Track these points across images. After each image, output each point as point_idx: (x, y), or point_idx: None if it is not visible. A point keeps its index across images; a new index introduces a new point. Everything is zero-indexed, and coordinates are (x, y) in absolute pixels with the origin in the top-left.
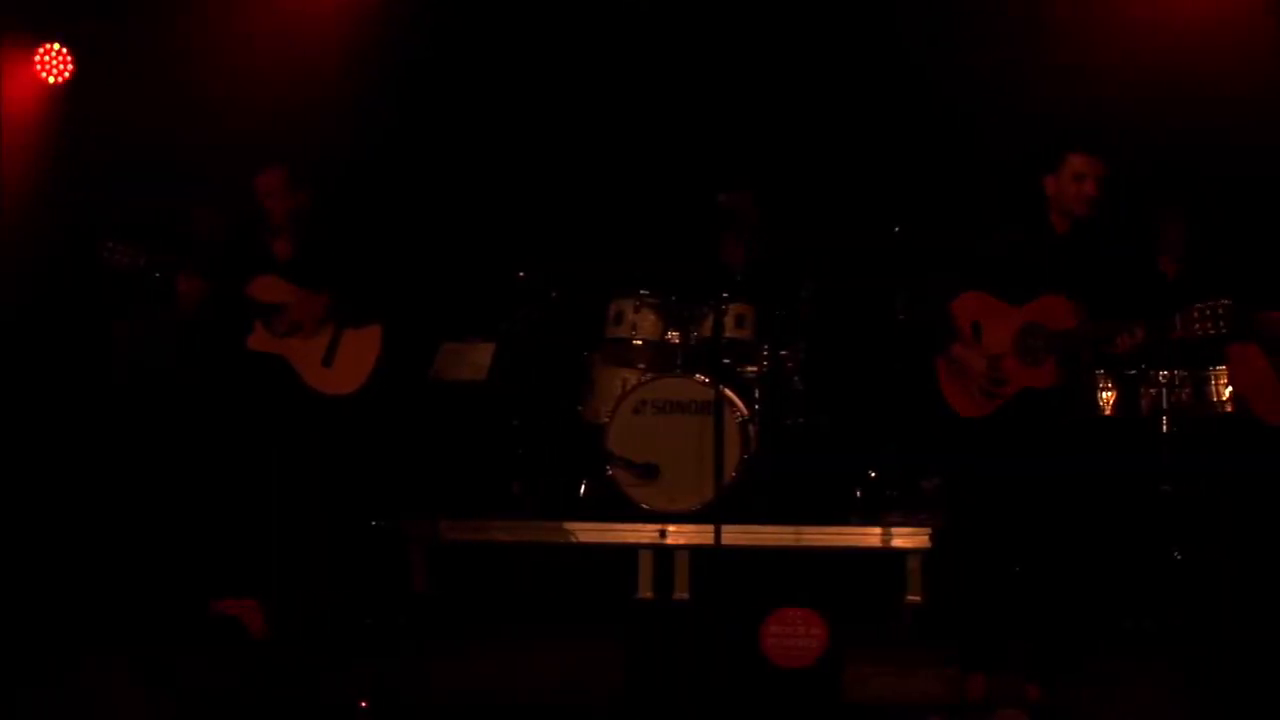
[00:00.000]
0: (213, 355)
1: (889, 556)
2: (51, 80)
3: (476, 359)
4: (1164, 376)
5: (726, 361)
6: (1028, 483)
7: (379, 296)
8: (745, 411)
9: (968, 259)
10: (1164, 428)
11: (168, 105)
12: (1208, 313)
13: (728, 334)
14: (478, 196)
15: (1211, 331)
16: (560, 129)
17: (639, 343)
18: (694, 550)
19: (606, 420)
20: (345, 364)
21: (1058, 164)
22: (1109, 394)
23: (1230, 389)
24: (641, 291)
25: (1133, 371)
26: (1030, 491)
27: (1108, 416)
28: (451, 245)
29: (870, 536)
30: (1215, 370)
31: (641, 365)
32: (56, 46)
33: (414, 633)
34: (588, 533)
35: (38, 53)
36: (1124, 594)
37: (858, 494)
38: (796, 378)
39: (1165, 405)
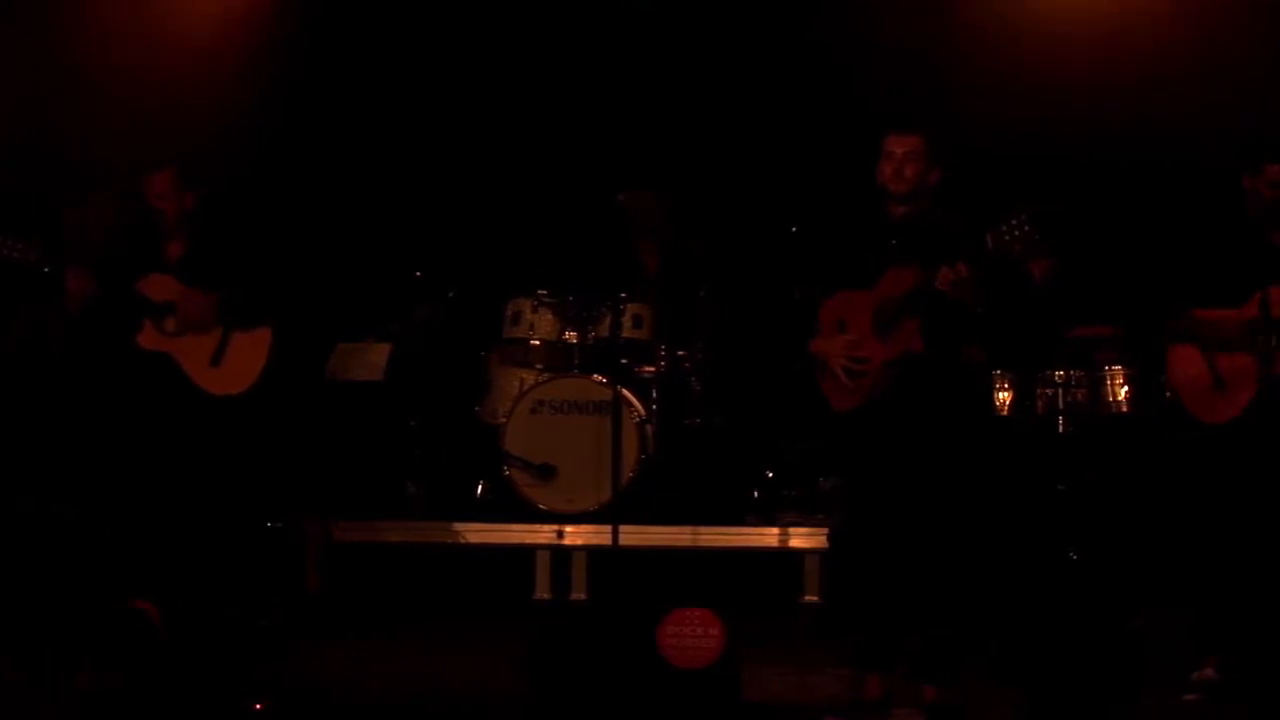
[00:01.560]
0: (101, 353)
1: (786, 556)
2: None
3: (372, 359)
4: (1060, 376)
5: (624, 362)
6: (917, 479)
7: (268, 296)
8: (643, 412)
9: (825, 258)
10: (1060, 428)
11: (53, 101)
12: (1015, 230)
13: (625, 334)
14: (374, 196)
15: (1020, 249)
16: (459, 127)
17: (536, 343)
18: (591, 551)
19: (504, 420)
20: (234, 364)
21: (880, 148)
22: (1005, 394)
23: (1126, 386)
24: (539, 291)
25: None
26: (921, 489)
27: (1004, 416)
28: (348, 245)
29: (767, 536)
30: (1110, 370)
31: (539, 365)
32: None
33: (309, 634)
34: (484, 533)
35: None
36: (1020, 593)
37: (755, 494)
38: (694, 378)
39: (1061, 405)
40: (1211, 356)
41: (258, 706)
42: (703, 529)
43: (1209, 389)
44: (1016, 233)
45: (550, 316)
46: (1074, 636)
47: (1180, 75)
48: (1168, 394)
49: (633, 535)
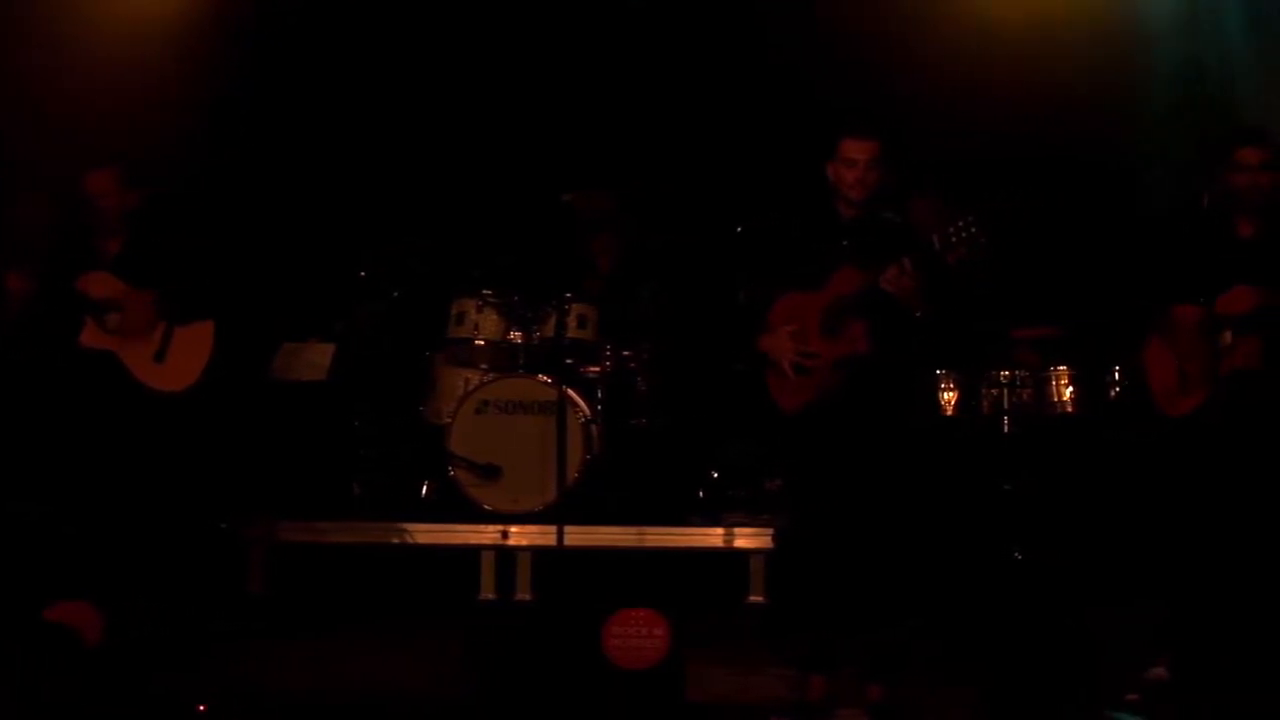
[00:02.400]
0: (42, 352)
1: (732, 556)
2: None
3: (316, 359)
4: (1005, 376)
5: (569, 362)
6: (864, 480)
7: (208, 293)
8: (588, 412)
9: (775, 257)
10: (1005, 428)
11: None
12: (962, 232)
13: (570, 334)
14: (318, 195)
15: (967, 248)
16: (405, 127)
17: (481, 343)
18: (536, 551)
19: (448, 421)
20: (177, 361)
21: (834, 150)
22: (950, 394)
23: (1070, 386)
24: (484, 291)
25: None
26: (866, 489)
27: (949, 416)
28: (292, 244)
29: (713, 537)
30: (1056, 370)
31: (484, 365)
32: None
33: (253, 635)
34: (429, 534)
35: None
36: (964, 592)
37: (700, 494)
38: (639, 378)
39: (1007, 405)
40: (1177, 352)
41: (201, 708)
42: (648, 529)
43: (1176, 383)
44: (964, 234)
45: (495, 316)
46: (1021, 636)
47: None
48: (1115, 390)
49: (578, 535)
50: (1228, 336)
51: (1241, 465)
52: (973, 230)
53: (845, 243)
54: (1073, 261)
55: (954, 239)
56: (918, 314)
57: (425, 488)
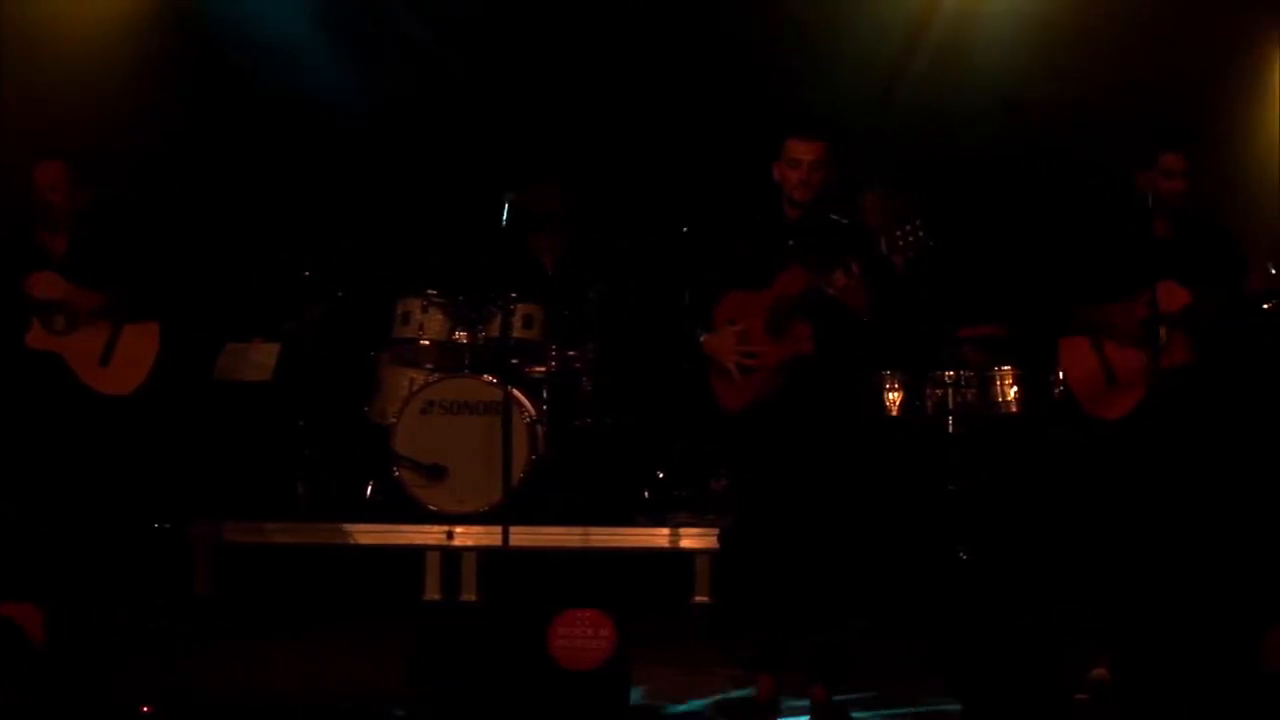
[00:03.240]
0: None
1: (677, 557)
2: None
3: (261, 359)
4: (949, 377)
5: (515, 362)
6: (807, 481)
7: (156, 295)
8: (533, 412)
9: (721, 257)
10: (950, 428)
11: None
12: (910, 235)
13: (515, 334)
14: (262, 195)
15: (914, 251)
16: (349, 126)
17: (426, 343)
18: (482, 552)
19: (393, 421)
20: (123, 363)
21: (780, 151)
22: (895, 394)
23: (1015, 386)
24: (429, 291)
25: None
26: (809, 490)
27: (894, 417)
28: (236, 243)
29: (658, 537)
30: (1000, 370)
31: (429, 365)
32: None
33: (198, 636)
34: (373, 534)
35: None
36: (910, 592)
37: (646, 494)
38: (585, 378)
39: (951, 405)
40: (1104, 351)
41: (145, 709)
42: (593, 529)
43: (1102, 384)
44: (911, 238)
45: (440, 316)
46: (966, 636)
47: (1072, 73)
48: (1059, 389)
49: (523, 536)
50: (1163, 334)
51: (1182, 463)
52: (920, 234)
53: (791, 243)
54: (1017, 260)
55: (901, 242)
56: (864, 319)
57: (370, 488)
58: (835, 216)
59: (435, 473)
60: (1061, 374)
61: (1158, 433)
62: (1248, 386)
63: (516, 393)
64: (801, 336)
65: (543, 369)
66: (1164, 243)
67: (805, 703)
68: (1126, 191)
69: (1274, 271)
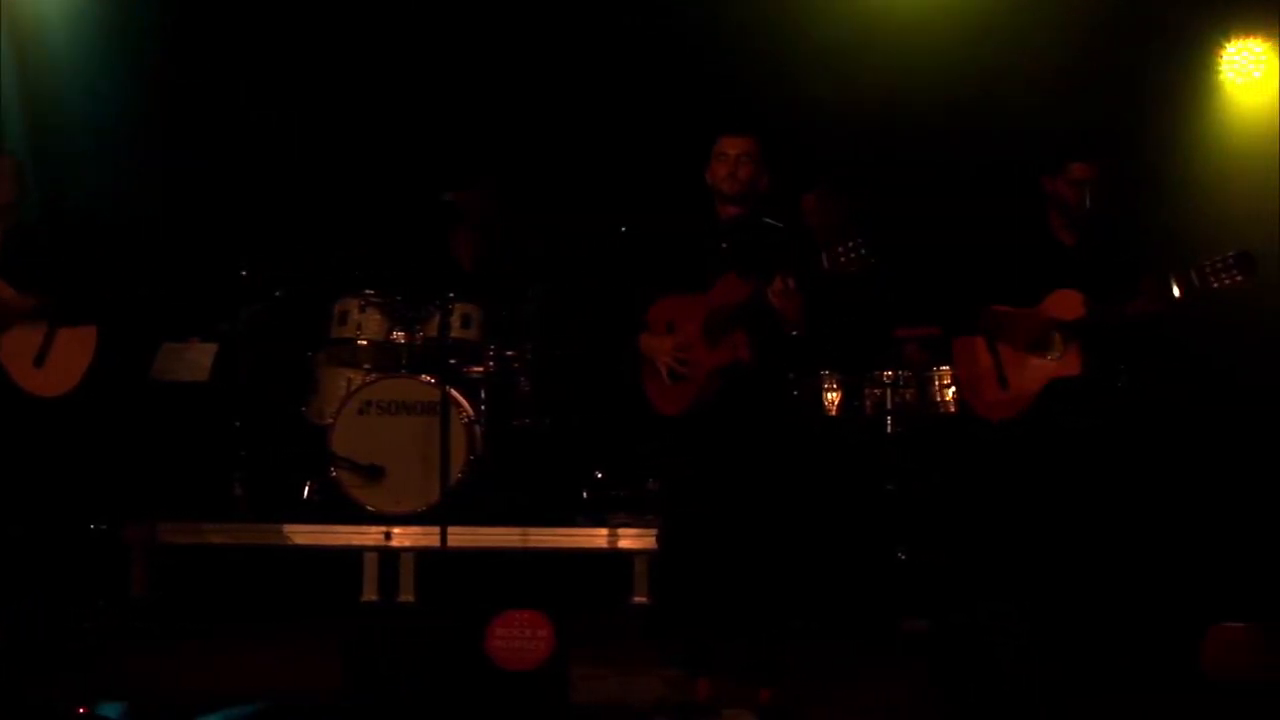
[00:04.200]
0: None
1: (616, 557)
2: None
3: (198, 359)
4: (888, 376)
5: (453, 362)
6: (742, 483)
7: (92, 296)
8: (471, 413)
9: (657, 258)
10: (888, 428)
11: None
12: (851, 247)
13: (453, 334)
14: (199, 194)
15: (856, 269)
16: (287, 126)
17: (364, 343)
18: (419, 552)
19: (331, 421)
20: (58, 365)
21: (711, 149)
22: (834, 395)
23: (951, 386)
24: (366, 291)
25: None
26: (745, 492)
27: (832, 417)
28: (173, 243)
29: (596, 538)
30: (939, 370)
31: (366, 366)
32: None
33: (135, 637)
34: (310, 535)
35: None
36: (850, 592)
37: (584, 495)
38: (523, 378)
39: (890, 405)
40: (998, 354)
41: (81, 710)
42: (532, 530)
43: (994, 385)
44: (852, 254)
45: (378, 316)
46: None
47: (990, 78)
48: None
49: (461, 536)
50: (1058, 340)
51: (1071, 465)
52: (861, 252)
53: (725, 245)
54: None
55: (843, 259)
56: (800, 328)
57: (307, 489)
58: (770, 220)
59: (373, 473)
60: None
61: (1042, 438)
62: (1132, 401)
63: (454, 393)
64: (738, 344)
65: (481, 369)
66: (1066, 250)
67: (748, 705)
68: (1034, 196)
69: (1174, 292)
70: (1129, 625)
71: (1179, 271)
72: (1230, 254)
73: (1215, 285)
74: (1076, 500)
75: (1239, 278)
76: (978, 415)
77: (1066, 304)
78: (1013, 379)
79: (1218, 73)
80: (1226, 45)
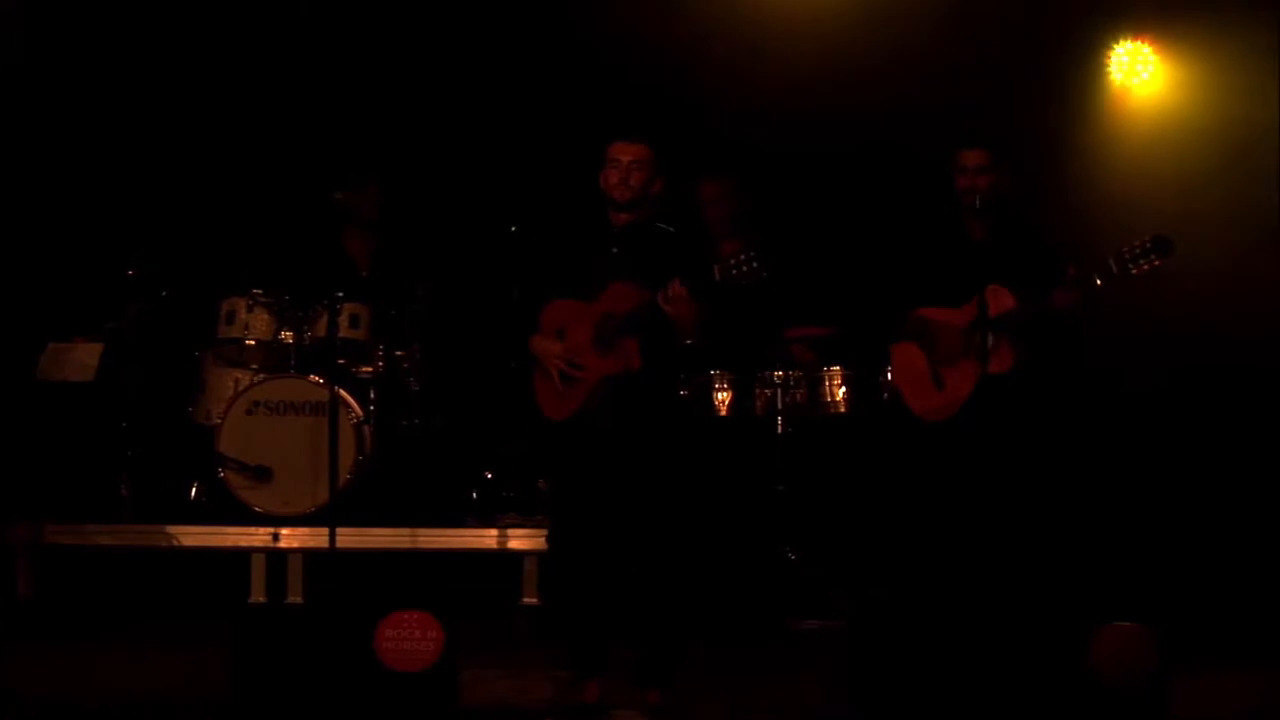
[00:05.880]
0: None
1: (506, 558)
2: None
3: (83, 359)
4: (779, 377)
5: (341, 362)
6: (630, 484)
7: None
8: (360, 413)
9: (547, 259)
10: (779, 428)
11: None
12: (743, 259)
13: (342, 334)
14: (84, 190)
15: (747, 280)
16: (173, 124)
17: (252, 342)
18: (308, 553)
19: (218, 421)
20: None
21: (604, 154)
22: (724, 394)
23: (843, 386)
24: (254, 290)
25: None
26: (632, 492)
27: (722, 417)
28: (57, 241)
29: (486, 538)
30: (829, 371)
31: (254, 365)
32: None
33: (20, 639)
34: (197, 536)
35: None
36: (738, 593)
37: (474, 495)
38: (412, 378)
39: (780, 406)
40: (931, 356)
41: None
42: (421, 531)
43: (930, 388)
44: (745, 267)
45: (266, 316)
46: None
47: (900, 75)
48: (885, 394)
49: (350, 538)
50: (989, 339)
51: (1003, 466)
52: (754, 264)
53: (616, 250)
54: (849, 262)
55: (735, 271)
56: (692, 336)
57: (194, 490)
58: (662, 225)
59: (261, 474)
60: (891, 376)
61: (976, 439)
62: (1063, 395)
63: (343, 393)
64: (629, 352)
65: (370, 369)
66: (981, 246)
67: (637, 706)
68: (946, 194)
69: (1095, 280)
70: (1021, 623)
71: (1098, 259)
72: (1147, 239)
73: (1135, 271)
74: (997, 500)
75: (1156, 261)
76: (916, 417)
77: (995, 300)
78: (949, 381)
79: (1108, 73)
80: (1115, 47)
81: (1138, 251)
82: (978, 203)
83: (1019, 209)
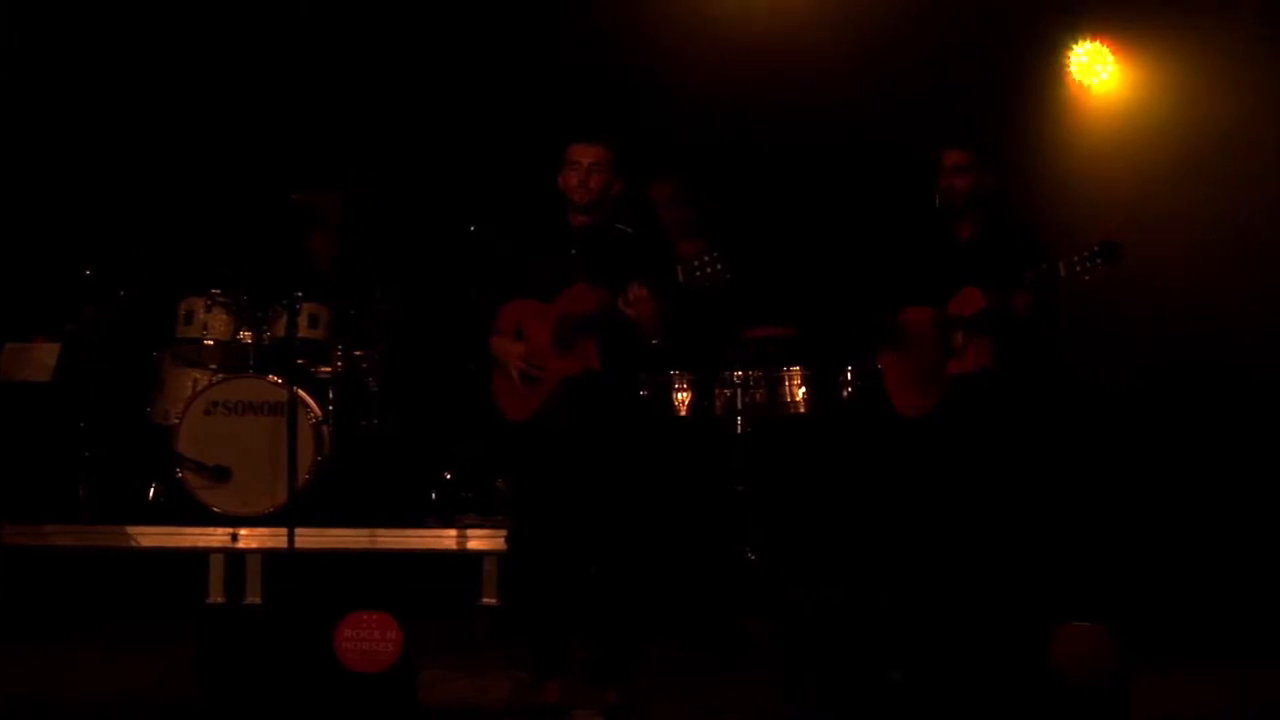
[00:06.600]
0: None
1: (465, 558)
2: None
3: (41, 358)
4: (738, 377)
5: (300, 362)
6: (589, 484)
7: None
8: (319, 413)
9: (506, 259)
10: (739, 428)
11: None
12: (707, 260)
13: (301, 334)
14: (42, 190)
15: (711, 283)
16: (131, 120)
17: (210, 343)
18: (267, 554)
19: (176, 422)
20: None
21: (563, 155)
22: (684, 395)
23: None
24: (213, 290)
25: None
26: (591, 493)
27: (681, 417)
28: (15, 240)
29: (445, 539)
30: (789, 371)
31: (213, 365)
32: None
33: None
34: (155, 537)
35: None
36: (697, 592)
37: (433, 496)
38: (371, 379)
39: (740, 406)
40: (910, 355)
41: None
42: (380, 531)
43: (912, 386)
44: (708, 269)
45: (224, 316)
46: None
47: (859, 74)
48: (846, 392)
49: (309, 538)
50: (959, 338)
51: (972, 465)
52: (717, 267)
53: (574, 251)
54: (810, 262)
55: (698, 274)
56: (652, 337)
57: (153, 490)
58: (622, 226)
59: (219, 474)
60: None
61: (949, 436)
62: (1030, 394)
63: (302, 393)
64: (589, 353)
65: (329, 369)
66: (965, 245)
67: (596, 706)
68: (930, 196)
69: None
70: (981, 621)
71: (1049, 264)
72: (1095, 246)
73: (1087, 278)
74: (968, 497)
75: (1103, 266)
76: (898, 415)
77: (967, 300)
78: (931, 381)
79: (1067, 73)
80: (1074, 47)
81: (1085, 256)
82: (957, 203)
83: (1004, 208)
